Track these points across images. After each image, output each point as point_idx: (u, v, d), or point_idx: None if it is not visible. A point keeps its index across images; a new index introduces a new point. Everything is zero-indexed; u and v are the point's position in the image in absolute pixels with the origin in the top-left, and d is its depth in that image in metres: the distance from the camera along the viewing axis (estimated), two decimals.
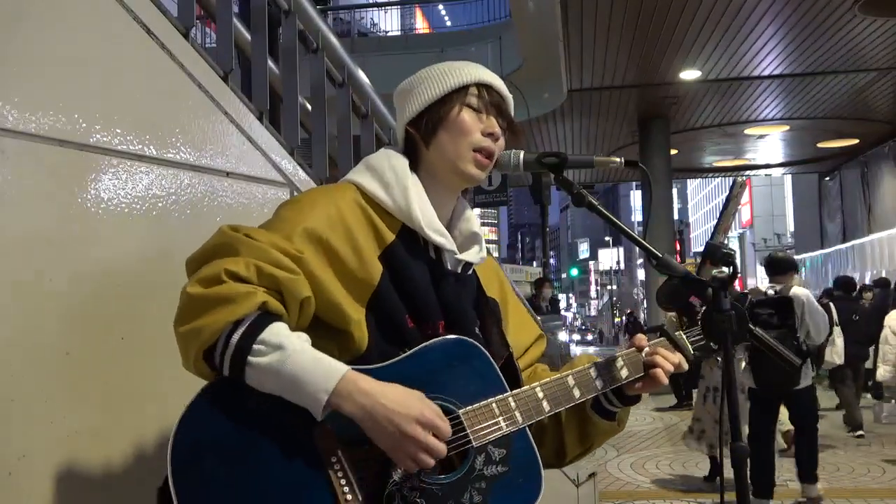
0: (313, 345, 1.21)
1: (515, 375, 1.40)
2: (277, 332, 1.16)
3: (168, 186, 1.74)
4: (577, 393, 1.37)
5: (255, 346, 1.14)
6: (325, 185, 1.43)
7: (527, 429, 1.31)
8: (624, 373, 1.41)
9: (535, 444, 1.32)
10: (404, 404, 1.16)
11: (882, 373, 6.53)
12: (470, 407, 1.26)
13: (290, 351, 1.14)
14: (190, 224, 1.79)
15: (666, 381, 1.42)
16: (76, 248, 1.52)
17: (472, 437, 1.24)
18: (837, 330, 7.26)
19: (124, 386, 1.58)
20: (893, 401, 7.12)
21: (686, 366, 1.43)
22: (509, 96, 1.45)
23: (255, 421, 1.16)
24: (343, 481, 1.16)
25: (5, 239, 1.39)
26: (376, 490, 1.18)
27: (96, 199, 1.57)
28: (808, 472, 5.29)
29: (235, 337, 1.14)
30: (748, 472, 1.30)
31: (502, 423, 1.27)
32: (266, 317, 1.17)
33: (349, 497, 1.16)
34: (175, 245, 1.74)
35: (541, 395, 1.33)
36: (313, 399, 1.14)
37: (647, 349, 1.43)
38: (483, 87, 1.41)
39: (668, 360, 1.41)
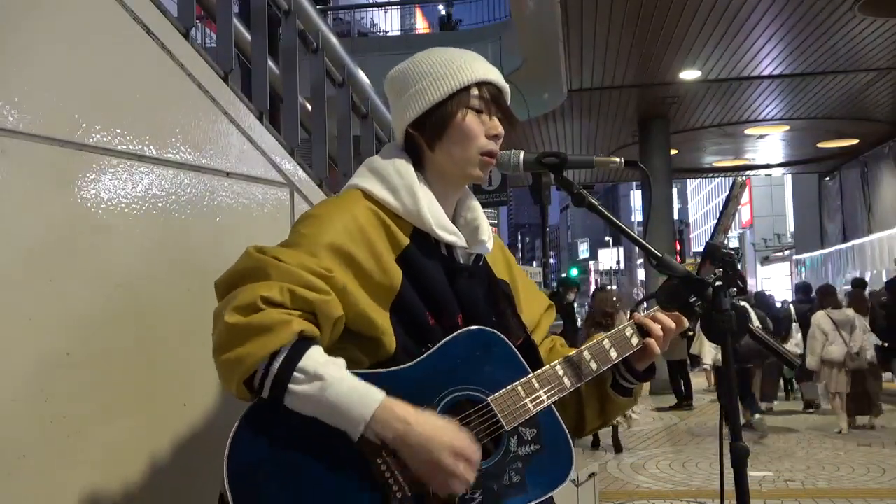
0: (343, 353, 1.25)
1: (535, 354, 1.46)
2: (315, 360, 1.19)
3: (168, 186, 1.74)
4: (594, 366, 1.42)
5: (295, 374, 1.17)
6: (335, 197, 1.44)
7: (552, 406, 1.36)
8: (634, 340, 1.46)
9: (561, 420, 1.38)
10: (439, 432, 1.20)
11: (809, 361, 8.07)
12: (497, 393, 1.31)
13: (329, 381, 1.17)
14: (190, 224, 1.79)
15: (658, 350, 1.45)
16: (76, 248, 1.52)
17: (503, 422, 1.29)
18: (796, 326, 9.90)
19: (124, 386, 1.58)
20: (822, 383, 8.47)
21: (686, 323, 1.46)
22: (506, 87, 1.45)
23: (301, 434, 1.20)
24: (391, 480, 1.20)
25: (5, 239, 1.39)
26: (422, 485, 1.22)
27: (96, 199, 1.57)
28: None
29: (275, 366, 1.17)
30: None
31: (529, 405, 1.33)
32: (303, 343, 1.19)
33: (399, 495, 1.20)
34: (175, 245, 1.74)
35: (561, 372, 1.38)
36: (352, 427, 1.18)
37: (647, 315, 1.47)
38: (483, 84, 1.41)
39: (664, 324, 1.45)
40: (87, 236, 1.54)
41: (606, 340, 1.44)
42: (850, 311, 8.01)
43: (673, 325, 1.45)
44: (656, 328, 1.45)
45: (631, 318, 1.49)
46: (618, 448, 7.40)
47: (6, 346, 1.37)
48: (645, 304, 1.54)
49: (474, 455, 1.22)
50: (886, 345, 7.45)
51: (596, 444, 7.48)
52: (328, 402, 1.17)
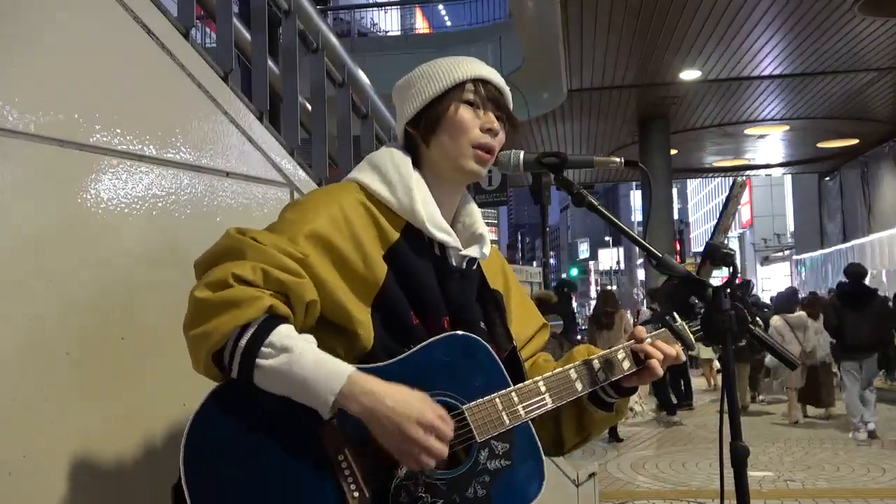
0: (320, 344, 1.23)
1: (519, 368, 1.42)
2: (284, 334, 1.18)
3: (168, 186, 1.74)
4: (579, 386, 1.38)
5: (263, 349, 1.16)
6: (328, 186, 1.43)
7: (529, 422, 1.32)
8: (626, 364, 1.42)
9: (537, 438, 1.33)
10: (406, 405, 1.17)
11: (769, 359, 9.06)
12: (473, 403, 1.27)
13: (297, 353, 1.16)
14: (190, 224, 1.79)
15: (661, 371, 1.42)
16: (76, 248, 1.52)
17: (475, 433, 1.26)
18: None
19: (124, 386, 1.58)
20: (779, 379, 9.36)
21: (683, 357, 1.44)
22: (507, 89, 1.45)
23: (263, 422, 1.18)
24: (350, 479, 1.18)
25: (5, 239, 1.39)
26: (382, 487, 1.20)
27: (96, 199, 1.57)
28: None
29: (243, 340, 1.16)
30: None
31: (505, 418, 1.28)
32: (273, 320, 1.18)
33: (356, 494, 1.18)
34: (175, 245, 1.74)
35: (543, 388, 1.34)
36: (321, 400, 1.16)
37: (647, 340, 1.43)
38: (479, 82, 1.41)
39: (665, 352, 1.42)
40: (86, 236, 1.54)
41: (596, 361, 1.40)
42: (803, 314, 8.85)
43: (673, 352, 1.42)
44: (657, 353, 1.41)
45: (633, 325, 1.48)
46: (615, 438, 7.51)
47: (6, 345, 1.37)
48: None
49: (444, 428, 1.18)
50: (834, 341, 8.01)
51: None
52: (296, 375, 1.15)
